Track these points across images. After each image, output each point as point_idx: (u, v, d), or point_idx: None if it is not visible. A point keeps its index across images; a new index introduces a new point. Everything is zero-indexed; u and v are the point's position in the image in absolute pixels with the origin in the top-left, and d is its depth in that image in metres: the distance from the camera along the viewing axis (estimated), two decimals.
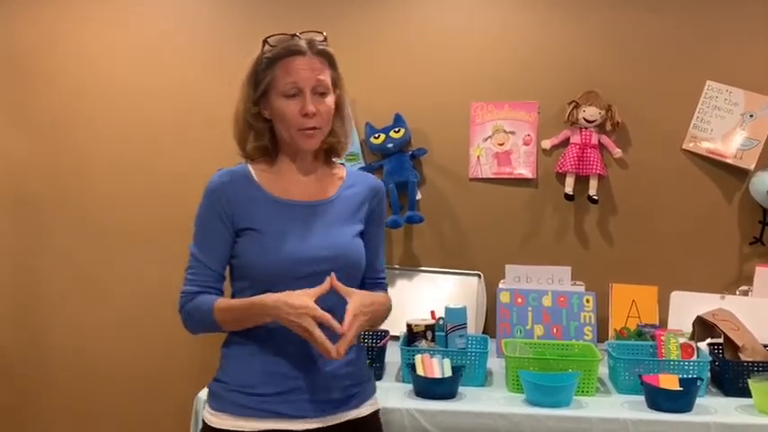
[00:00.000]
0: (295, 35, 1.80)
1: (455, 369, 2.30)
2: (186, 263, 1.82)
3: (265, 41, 1.82)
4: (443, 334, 2.49)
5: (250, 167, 1.85)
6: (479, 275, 3.04)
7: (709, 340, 2.53)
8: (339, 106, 1.86)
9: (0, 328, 3.28)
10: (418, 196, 3.06)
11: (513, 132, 3.05)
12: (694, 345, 2.39)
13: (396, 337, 2.60)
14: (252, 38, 3.05)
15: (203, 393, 2.30)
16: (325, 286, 1.69)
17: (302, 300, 1.65)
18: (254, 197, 1.80)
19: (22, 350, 3.29)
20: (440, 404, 2.21)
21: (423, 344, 2.46)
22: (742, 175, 2.97)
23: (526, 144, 3.05)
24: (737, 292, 2.86)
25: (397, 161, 3.03)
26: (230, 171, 1.84)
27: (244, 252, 1.78)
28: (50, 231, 3.23)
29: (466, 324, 2.50)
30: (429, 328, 2.49)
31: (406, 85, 3.07)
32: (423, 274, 3.10)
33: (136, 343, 3.23)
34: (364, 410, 1.85)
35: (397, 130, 3.02)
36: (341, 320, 1.68)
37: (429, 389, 2.25)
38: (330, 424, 1.78)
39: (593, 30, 3.00)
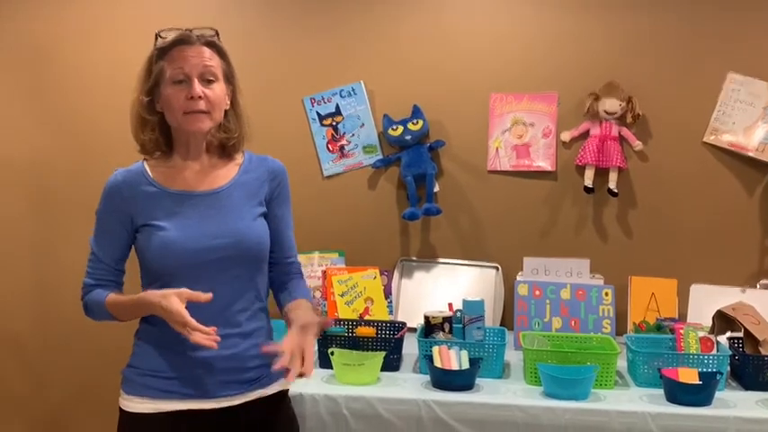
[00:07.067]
0: (187, 29, 1.85)
1: (472, 361, 2.30)
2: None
3: (158, 35, 1.86)
4: (461, 326, 2.49)
5: (145, 165, 1.89)
6: (497, 268, 3.03)
7: (729, 334, 2.52)
8: (233, 102, 1.91)
9: (20, 317, 3.31)
10: (436, 188, 3.05)
11: (532, 124, 3.04)
12: (714, 338, 2.38)
13: (413, 329, 2.60)
14: (270, 31, 3.12)
15: None
16: (204, 296, 1.71)
17: (174, 305, 1.68)
18: (150, 193, 1.85)
19: (41, 338, 3.32)
20: (457, 396, 2.21)
21: (440, 336, 2.46)
22: (764, 168, 2.94)
23: (545, 136, 3.04)
24: (758, 286, 2.84)
25: (415, 153, 3.02)
26: (126, 170, 1.89)
27: (145, 248, 1.84)
28: (71, 220, 3.24)
29: (483, 316, 2.50)
30: (447, 319, 2.49)
31: (424, 77, 3.06)
32: (440, 266, 3.10)
33: None
34: (271, 390, 1.91)
35: (415, 121, 3.01)
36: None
37: (446, 380, 2.25)
38: (238, 402, 1.85)
39: (613, 21, 2.97)
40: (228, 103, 1.89)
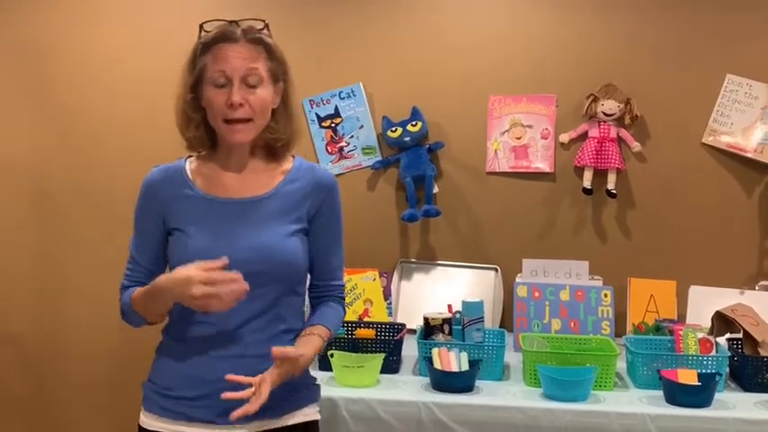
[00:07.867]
0: (233, 22, 1.70)
1: (472, 363, 2.30)
2: None
3: (201, 27, 1.71)
4: (460, 328, 2.49)
5: (186, 163, 1.79)
6: (496, 269, 3.04)
7: (728, 335, 2.52)
8: (284, 100, 1.76)
9: (21, 318, 3.30)
10: (435, 190, 3.05)
11: (530, 126, 3.04)
12: (713, 340, 2.38)
13: (413, 331, 2.61)
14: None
15: None
16: (219, 261, 1.59)
17: (184, 272, 1.58)
18: (185, 196, 1.74)
19: (41, 340, 3.31)
20: (457, 398, 2.21)
21: (440, 337, 2.46)
22: (762, 169, 2.94)
23: (544, 138, 3.04)
24: (757, 288, 2.85)
25: (414, 155, 3.02)
26: (166, 168, 1.79)
27: (173, 253, 1.74)
28: (71, 222, 3.24)
29: (483, 318, 2.50)
30: (446, 321, 2.49)
31: (423, 79, 3.06)
32: (440, 267, 3.10)
33: (157, 333, 3.24)
34: (291, 420, 1.75)
35: (414, 123, 3.01)
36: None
37: (446, 382, 2.25)
38: None
39: (611, 22, 2.98)
40: (278, 101, 1.74)
